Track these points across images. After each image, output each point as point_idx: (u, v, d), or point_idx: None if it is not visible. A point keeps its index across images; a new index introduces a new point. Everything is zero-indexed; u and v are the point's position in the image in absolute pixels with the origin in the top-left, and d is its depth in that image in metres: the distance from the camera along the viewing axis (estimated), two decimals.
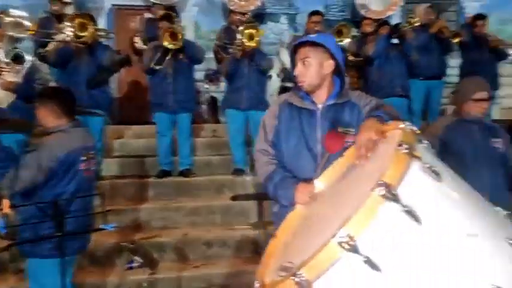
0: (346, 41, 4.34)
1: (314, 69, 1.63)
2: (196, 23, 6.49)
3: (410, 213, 0.93)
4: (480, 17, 5.02)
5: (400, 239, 0.93)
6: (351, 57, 5.46)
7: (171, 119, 4.19)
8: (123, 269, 3.01)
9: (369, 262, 0.90)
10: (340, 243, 0.90)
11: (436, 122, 2.62)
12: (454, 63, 5.44)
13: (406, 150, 1.01)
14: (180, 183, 4.08)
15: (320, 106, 1.69)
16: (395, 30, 4.41)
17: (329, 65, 1.64)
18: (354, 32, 6.35)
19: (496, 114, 6.76)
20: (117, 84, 6.32)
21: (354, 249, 0.90)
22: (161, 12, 4.49)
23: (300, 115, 1.70)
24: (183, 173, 4.15)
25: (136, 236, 3.33)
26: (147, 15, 5.15)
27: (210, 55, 5.39)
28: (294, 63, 1.70)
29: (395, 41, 4.41)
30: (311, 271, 0.92)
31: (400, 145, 1.03)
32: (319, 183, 1.51)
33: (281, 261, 1.21)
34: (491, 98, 2.41)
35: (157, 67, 4.03)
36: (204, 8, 6.48)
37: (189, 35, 5.58)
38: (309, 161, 1.66)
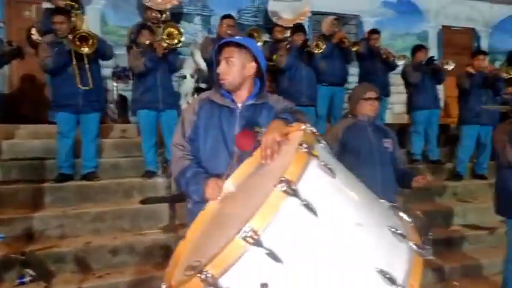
0: (258, 45, 4.47)
1: (237, 69, 1.68)
2: (103, 17, 6.10)
3: (308, 207, 0.99)
4: (374, 31, 5.60)
5: (300, 232, 0.99)
6: None
7: (75, 119, 3.88)
8: (13, 285, 2.68)
9: (271, 255, 0.94)
10: (244, 238, 0.92)
11: (336, 125, 2.85)
12: (354, 71, 5.98)
13: (306, 150, 1.08)
14: (83, 187, 3.77)
15: (239, 105, 1.73)
16: (306, 45, 4.66)
17: (251, 67, 1.71)
18: (266, 37, 6.61)
19: (389, 118, 7.60)
20: (8, 78, 5.66)
21: (258, 243, 0.93)
22: (61, 2, 4.12)
23: (220, 112, 1.73)
24: (86, 177, 3.86)
25: (28, 247, 2.98)
26: (45, 4, 4.67)
27: (119, 51, 5.13)
28: (217, 62, 1.72)
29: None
30: (217, 267, 0.93)
31: (300, 145, 1.10)
32: (229, 183, 1.53)
33: (189, 261, 1.20)
34: (379, 98, 2.70)
35: (84, 88, 3.73)
36: (112, 2, 6.13)
37: (95, 29, 5.24)
38: (226, 158, 1.68)
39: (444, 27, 8.47)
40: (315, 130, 1.25)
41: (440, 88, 7.44)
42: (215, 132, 1.71)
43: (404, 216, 1.32)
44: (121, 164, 4.22)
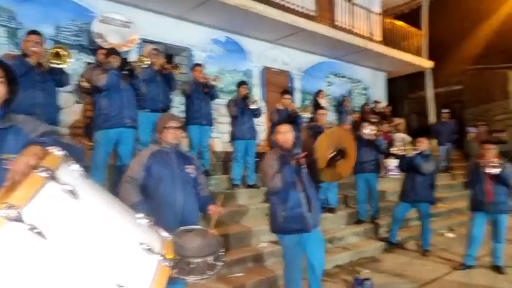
0: (65, 66, 4.10)
1: (5, 90, 1.58)
2: None
3: (35, 230, 0.98)
4: (198, 64, 5.99)
5: (27, 257, 0.97)
6: (84, 84, 5.33)
7: None
8: None
9: None
10: None
11: (142, 151, 2.90)
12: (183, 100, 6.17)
13: (43, 173, 1.07)
14: None
15: None
16: (126, 63, 4.60)
17: (5, 90, 1.60)
18: (91, 59, 6.28)
19: (219, 147, 8.10)
20: None
21: None
22: None
23: None
24: None
25: None
26: None
27: None
28: None
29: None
30: None
31: (37, 168, 1.08)
32: None
33: None
34: (182, 128, 2.88)
35: None
36: None
37: None
38: None
39: (266, 67, 9.63)
40: (63, 153, 1.25)
41: (263, 120, 8.39)
42: None
43: (163, 233, 1.44)
44: None
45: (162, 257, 1.26)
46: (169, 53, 7.82)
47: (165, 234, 1.43)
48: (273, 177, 3.09)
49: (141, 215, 1.39)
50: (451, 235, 6.64)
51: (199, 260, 2.33)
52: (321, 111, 6.09)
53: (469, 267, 4.83)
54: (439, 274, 4.70)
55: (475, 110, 14.23)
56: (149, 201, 2.68)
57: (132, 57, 5.84)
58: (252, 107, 5.88)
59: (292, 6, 8.88)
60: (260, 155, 6.93)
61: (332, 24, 9.96)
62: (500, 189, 4.60)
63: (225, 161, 6.94)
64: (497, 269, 4.73)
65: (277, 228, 3.27)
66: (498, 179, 4.54)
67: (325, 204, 5.94)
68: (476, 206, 4.77)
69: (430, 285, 4.36)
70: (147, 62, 4.85)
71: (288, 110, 6.02)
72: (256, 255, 4.50)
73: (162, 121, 2.85)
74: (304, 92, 10.41)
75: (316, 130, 5.69)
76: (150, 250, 1.24)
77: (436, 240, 6.00)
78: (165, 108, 5.23)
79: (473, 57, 14.76)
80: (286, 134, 3.26)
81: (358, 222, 6.19)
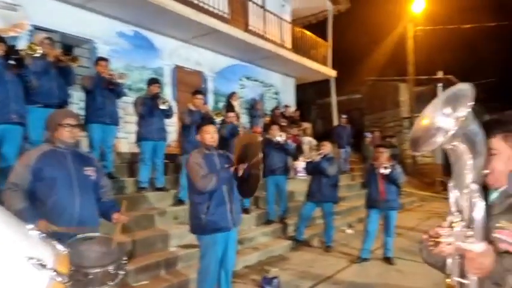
0: None
1: None
2: None
3: None
4: (103, 58, 5.53)
5: None
6: None
7: None
8: None
9: None
10: None
11: (30, 151, 2.57)
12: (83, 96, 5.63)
13: None
14: None
15: None
16: (14, 52, 4.04)
17: None
18: None
19: (125, 147, 7.62)
20: None
21: None
22: None
23: None
24: None
25: None
26: None
27: None
28: None
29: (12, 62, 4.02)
30: None
31: None
32: None
33: None
34: (79, 125, 2.64)
35: None
36: None
37: None
38: None
39: (178, 66, 9.32)
40: None
41: (174, 121, 8.11)
42: None
43: (57, 246, 1.27)
44: None
45: (55, 273, 1.11)
46: (68, 44, 7.10)
47: (59, 246, 1.26)
48: (206, 178, 3.08)
49: (32, 225, 1.21)
50: (350, 231, 7.22)
51: (98, 270, 2.14)
52: (230, 114, 6.11)
53: (365, 259, 5.30)
54: (339, 268, 5.06)
55: (371, 117, 15.82)
56: (40, 207, 2.38)
57: (22, 46, 5.15)
58: (162, 107, 5.63)
59: (206, 7, 8.79)
60: (170, 157, 6.72)
61: (245, 28, 10.11)
62: (391, 188, 5.14)
63: (132, 163, 6.56)
64: (388, 260, 5.27)
65: (198, 227, 3.22)
66: (389, 179, 5.06)
67: (242, 205, 5.99)
68: (371, 203, 5.27)
69: (331, 279, 4.66)
70: (40, 51, 4.31)
71: (201, 111, 5.91)
72: (166, 260, 4.31)
73: (57, 117, 2.57)
74: (217, 93, 10.38)
75: (232, 131, 5.70)
76: (41, 265, 1.09)
77: (337, 237, 6.45)
78: (62, 103, 4.68)
79: (371, 69, 16.45)
80: (213, 134, 3.33)
81: (268, 222, 6.36)
